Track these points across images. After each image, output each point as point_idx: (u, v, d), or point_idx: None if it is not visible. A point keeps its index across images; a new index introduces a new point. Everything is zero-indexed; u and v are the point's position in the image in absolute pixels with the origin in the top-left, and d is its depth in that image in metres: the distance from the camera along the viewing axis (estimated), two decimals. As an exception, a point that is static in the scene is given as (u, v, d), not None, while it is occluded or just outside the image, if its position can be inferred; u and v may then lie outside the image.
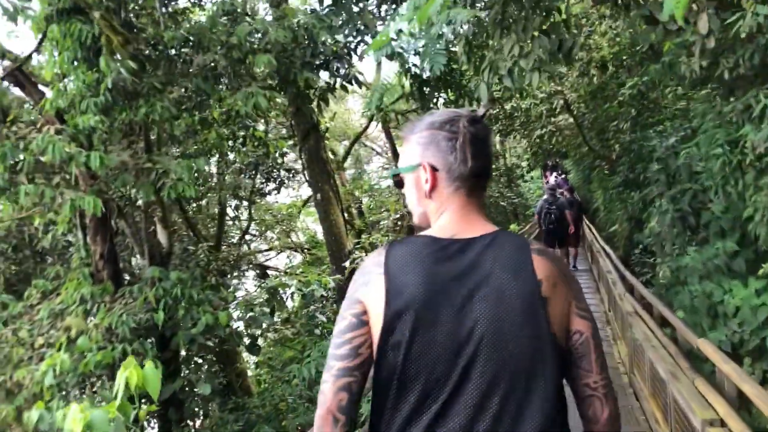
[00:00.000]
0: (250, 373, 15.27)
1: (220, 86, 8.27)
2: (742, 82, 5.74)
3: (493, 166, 26.43)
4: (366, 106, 20.82)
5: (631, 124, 14.46)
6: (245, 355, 14.69)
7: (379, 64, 21.89)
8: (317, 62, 8.23)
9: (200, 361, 10.55)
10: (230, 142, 10.23)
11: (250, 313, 12.20)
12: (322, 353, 7.98)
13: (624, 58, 15.20)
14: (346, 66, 8.22)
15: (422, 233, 1.49)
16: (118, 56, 7.06)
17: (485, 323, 1.33)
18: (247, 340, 13.05)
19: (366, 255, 14.72)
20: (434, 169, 1.51)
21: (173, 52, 8.02)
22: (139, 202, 8.87)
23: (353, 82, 8.57)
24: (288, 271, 16.97)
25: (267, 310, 13.56)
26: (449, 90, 9.89)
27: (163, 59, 8.10)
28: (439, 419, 1.31)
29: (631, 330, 7.57)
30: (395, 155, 22.88)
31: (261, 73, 8.25)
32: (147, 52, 8.04)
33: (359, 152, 30.66)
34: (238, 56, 7.69)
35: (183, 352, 9.52)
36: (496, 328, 1.33)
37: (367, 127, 21.78)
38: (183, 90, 8.09)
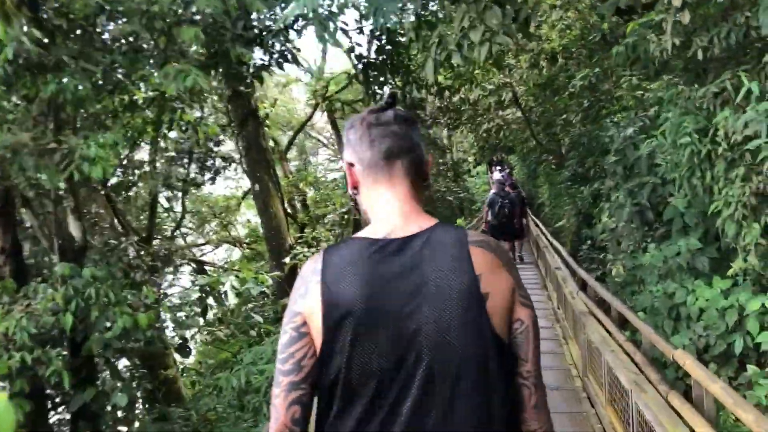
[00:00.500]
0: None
1: (143, 63, 7.37)
2: (713, 65, 5.29)
3: (440, 161, 26.17)
4: (310, 91, 20.15)
5: (581, 117, 14.18)
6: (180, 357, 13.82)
7: (324, 51, 21.17)
8: (250, 36, 7.43)
9: (121, 367, 9.66)
10: (155, 127, 9.31)
11: (180, 313, 11.35)
12: (254, 359, 7.24)
13: (573, 50, 14.94)
14: (282, 41, 7.47)
15: (358, 234, 1.46)
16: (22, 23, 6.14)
17: (427, 323, 1.31)
18: (178, 340, 12.18)
19: (308, 250, 14.10)
20: (351, 165, 1.53)
21: (86, 21, 7.09)
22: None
23: (290, 59, 7.83)
24: (225, 266, 16.08)
25: (198, 309, 12.68)
26: (396, 75, 9.27)
27: (76, 29, 7.17)
28: (386, 425, 1.30)
29: (584, 331, 7.12)
30: (341, 146, 22.22)
31: (190, 48, 7.41)
32: (56, 21, 7.10)
33: (305, 143, 29.79)
34: (161, 27, 6.84)
35: (102, 358, 8.65)
36: (439, 328, 1.31)
37: (311, 116, 21.03)
38: (97, 66, 7.17)
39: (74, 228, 7.69)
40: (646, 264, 7.18)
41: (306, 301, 1.38)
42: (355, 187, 1.54)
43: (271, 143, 20.64)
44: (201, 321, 13.28)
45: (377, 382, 1.31)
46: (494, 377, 1.34)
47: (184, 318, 11.35)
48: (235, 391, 6.77)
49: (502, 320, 1.38)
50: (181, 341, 13.15)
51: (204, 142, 9.94)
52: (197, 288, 12.42)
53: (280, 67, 8.11)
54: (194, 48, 7.19)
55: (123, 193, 14.35)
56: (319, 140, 30.34)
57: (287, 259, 12.49)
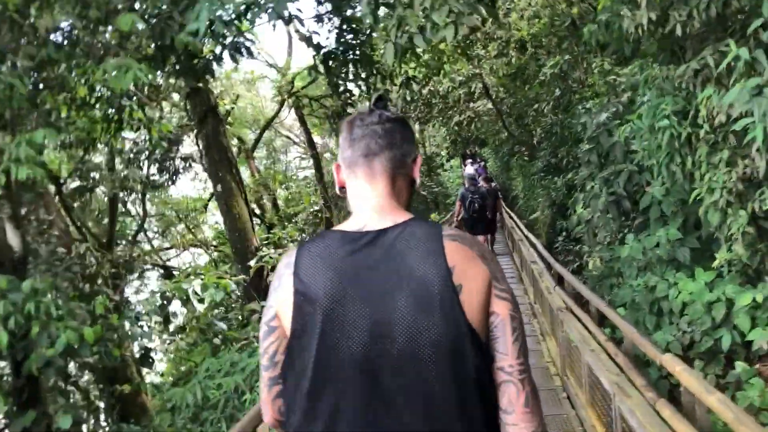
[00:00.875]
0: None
1: (79, 57, 6.79)
2: (691, 42, 4.92)
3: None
4: (275, 88, 19.58)
5: (553, 106, 13.86)
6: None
7: (290, 47, 20.57)
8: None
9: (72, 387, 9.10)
10: (105, 127, 8.71)
11: (141, 322, 10.79)
12: (211, 372, 6.73)
13: (543, 38, 14.65)
14: (235, 31, 6.95)
15: (334, 228, 1.47)
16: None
17: (398, 316, 1.29)
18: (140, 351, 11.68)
19: (276, 252, 13.58)
20: (338, 166, 1.55)
21: (17, 13, 6.50)
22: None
23: (243, 51, 7.30)
24: (191, 271, 15.50)
25: (160, 318, 12.10)
26: (358, 65, 8.79)
27: (6, 21, 6.58)
28: (357, 417, 1.28)
29: (563, 328, 6.76)
30: (310, 144, 21.76)
31: (133, 41, 6.84)
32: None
33: (275, 142, 29.15)
34: (96, 17, 6.29)
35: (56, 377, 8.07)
36: (410, 320, 1.29)
37: (277, 112, 20.47)
38: (32, 60, 6.60)
39: (12, 237, 7.10)
40: (625, 256, 6.82)
41: (278, 294, 1.39)
42: (342, 187, 1.55)
43: (236, 141, 20.08)
44: (164, 329, 12.73)
45: (348, 374, 1.29)
46: (470, 370, 1.30)
47: (143, 328, 10.80)
48: (190, 409, 6.26)
49: (479, 314, 1.34)
50: (143, 352, 12.56)
51: (158, 141, 9.36)
52: (158, 295, 11.86)
53: (234, 60, 7.59)
54: (134, 39, 6.62)
55: (79, 197, 13.69)
56: (288, 138, 29.74)
57: (252, 262, 11.95)
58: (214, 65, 7.93)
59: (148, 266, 17.49)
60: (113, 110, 8.37)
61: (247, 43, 7.44)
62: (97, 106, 8.26)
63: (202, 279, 11.02)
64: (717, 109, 4.14)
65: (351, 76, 9.65)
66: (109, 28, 6.84)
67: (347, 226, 1.44)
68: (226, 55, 7.63)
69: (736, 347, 5.12)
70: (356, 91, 9.85)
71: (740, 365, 4.93)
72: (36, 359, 6.41)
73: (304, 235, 17.29)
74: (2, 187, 6.57)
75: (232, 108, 17.26)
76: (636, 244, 6.52)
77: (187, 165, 14.59)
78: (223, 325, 11.21)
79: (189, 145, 16.68)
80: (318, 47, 8.30)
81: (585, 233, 9.39)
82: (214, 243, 19.45)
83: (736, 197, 4.54)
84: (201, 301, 11.15)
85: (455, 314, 1.30)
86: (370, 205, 1.46)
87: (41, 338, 6.39)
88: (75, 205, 14.47)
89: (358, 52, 9.18)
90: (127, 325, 9.66)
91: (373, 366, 1.28)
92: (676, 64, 5.26)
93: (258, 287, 12.16)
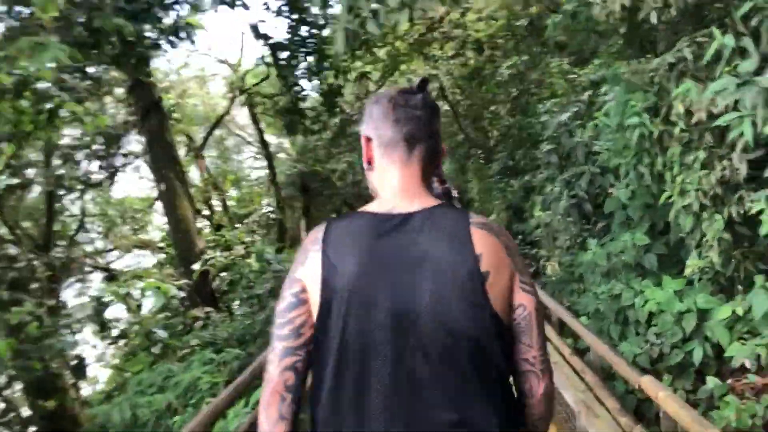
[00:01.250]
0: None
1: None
2: (664, 35, 4.59)
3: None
4: (227, 84, 18.83)
5: (510, 108, 13.60)
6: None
7: (243, 44, 19.85)
8: (136, 9, 6.29)
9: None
10: (31, 120, 7.98)
11: (72, 331, 10.11)
12: (142, 387, 6.12)
13: (498, 40, 14.39)
14: (176, 16, 6.37)
15: (362, 208, 1.46)
16: None
17: (425, 299, 1.29)
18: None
19: (222, 254, 12.94)
20: (368, 140, 1.52)
21: None
22: None
23: (183, 36, 6.72)
24: (136, 274, 14.68)
25: (96, 325, 11.38)
26: (309, 56, 8.29)
27: None
28: (381, 399, 1.28)
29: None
30: (263, 143, 21.08)
31: (51, 21, 6.19)
32: None
33: (226, 141, 28.28)
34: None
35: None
36: (435, 305, 1.29)
37: (228, 109, 19.73)
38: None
39: None
40: (587, 261, 6.50)
41: (306, 270, 1.38)
42: (369, 162, 1.52)
43: (185, 139, 19.26)
44: (103, 336, 11.96)
45: (371, 357, 1.28)
46: (492, 357, 1.31)
47: (75, 336, 10.09)
48: (117, 428, 5.64)
49: (502, 303, 1.34)
50: (76, 361, 11.75)
51: (93, 136, 8.65)
52: (90, 300, 11.14)
53: (172, 45, 7.00)
54: (49, 16, 5.96)
55: (10, 196, 12.79)
56: (241, 137, 28.91)
57: (197, 265, 11.28)
58: (160, 56, 7.33)
59: (89, 269, 16.53)
60: (42, 101, 7.65)
61: (189, 30, 6.86)
62: (25, 95, 7.54)
63: (141, 283, 10.35)
64: (696, 105, 3.79)
65: (303, 71, 9.16)
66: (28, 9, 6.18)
67: (375, 207, 1.44)
68: (165, 42, 7.05)
69: (708, 360, 4.81)
70: (307, 86, 9.41)
71: (712, 380, 4.61)
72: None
73: (255, 236, 16.66)
74: None
75: (177, 103, 16.47)
76: (599, 250, 6.20)
77: (129, 162, 13.78)
78: (163, 333, 10.54)
79: (136, 143, 15.90)
80: (266, 37, 7.76)
81: (543, 237, 9.09)
82: (161, 245, 18.57)
83: (711, 200, 4.22)
84: (138, 306, 10.47)
85: (480, 302, 1.30)
86: (400, 188, 1.44)
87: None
88: (8, 204, 13.54)
89: (310, 45, 8.68)
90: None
91: (397, 350, 1.28)
92: (645, 59, 4.93)
93: (202, 292, 11.51)
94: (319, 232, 1.41)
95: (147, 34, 6.89)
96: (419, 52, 15.98)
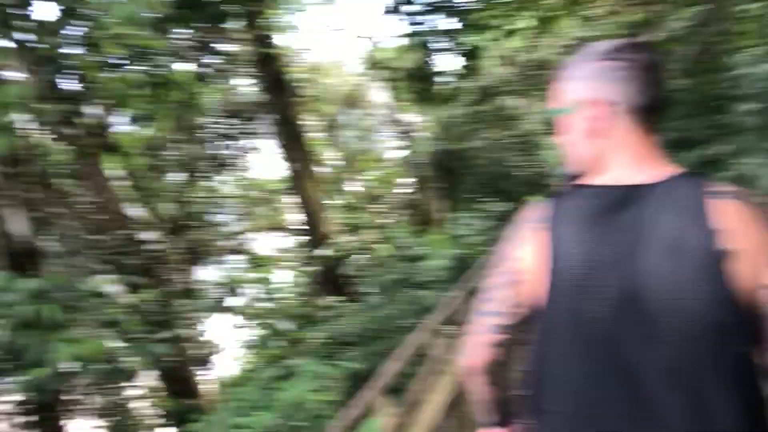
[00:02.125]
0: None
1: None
2: None
3: (507, 133, 23.87)
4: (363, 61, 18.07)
5: (686, 69, 11.60)
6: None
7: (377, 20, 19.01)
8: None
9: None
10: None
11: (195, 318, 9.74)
12: (245, 403, 5.19)
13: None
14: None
15: (584, 181, 1.35)
16: None
17: (650, 284, 1.18)
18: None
19: (352, 239, 12.19)
20: (607, 104, 1.33)
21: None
22: None
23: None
24: (262, 260, 14.39)
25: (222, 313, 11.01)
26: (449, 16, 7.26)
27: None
28: (590, 386, 1.22)
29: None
30: (400, 122, 20.26)
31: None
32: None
33: (365, 121, 27.94)
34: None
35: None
36: (663, 289, 1.17)
37: (365, 89, 19.06)
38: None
39: (16, 221, 5.87)
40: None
41: (526, 248, 1.34)
42: (593, 130, 1.34)
43: (319, 119, 18.77)
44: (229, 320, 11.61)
45: (595, 340, 1.22)
46: (732, 348, 1.17)
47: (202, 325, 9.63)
48: None
49: (748, 285, 1.17)
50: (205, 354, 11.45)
51: (226, 118, 8.17)
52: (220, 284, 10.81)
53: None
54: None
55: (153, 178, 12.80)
56: (379, 117, 28.45)
57: (323, 250, 10.49)
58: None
59: (225, 251, 16.50)
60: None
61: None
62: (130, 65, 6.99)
63: (268, 269, 9.85)
64: None
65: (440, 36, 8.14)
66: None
67: (599, 179, 1.33)
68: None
69: None
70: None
71: None
72: (26, 384, 5.17)
73: (390, 218, 15.87)
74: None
75: (310, 81, 15.94)
76: None
77: (261, 142, 13.40)
78: (289, 324, 9.84)
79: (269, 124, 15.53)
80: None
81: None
82: (294, 227, 18.33)
83: None
84: (269, 292, 9.98)
85: (719, 284, 1.16)
86: (638, 155, 1.31)
87: (32, 353, 5.12)
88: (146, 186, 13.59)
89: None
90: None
91: (617, 336, 1.20)
92: None
93: (326, 280, 10.74)
94: (541, 210, 1.35)
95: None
96: (571, 11, 14.33)
